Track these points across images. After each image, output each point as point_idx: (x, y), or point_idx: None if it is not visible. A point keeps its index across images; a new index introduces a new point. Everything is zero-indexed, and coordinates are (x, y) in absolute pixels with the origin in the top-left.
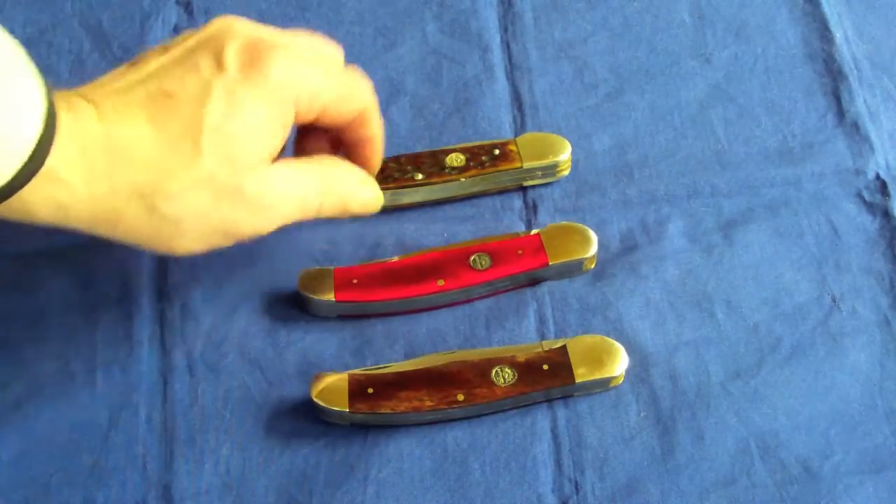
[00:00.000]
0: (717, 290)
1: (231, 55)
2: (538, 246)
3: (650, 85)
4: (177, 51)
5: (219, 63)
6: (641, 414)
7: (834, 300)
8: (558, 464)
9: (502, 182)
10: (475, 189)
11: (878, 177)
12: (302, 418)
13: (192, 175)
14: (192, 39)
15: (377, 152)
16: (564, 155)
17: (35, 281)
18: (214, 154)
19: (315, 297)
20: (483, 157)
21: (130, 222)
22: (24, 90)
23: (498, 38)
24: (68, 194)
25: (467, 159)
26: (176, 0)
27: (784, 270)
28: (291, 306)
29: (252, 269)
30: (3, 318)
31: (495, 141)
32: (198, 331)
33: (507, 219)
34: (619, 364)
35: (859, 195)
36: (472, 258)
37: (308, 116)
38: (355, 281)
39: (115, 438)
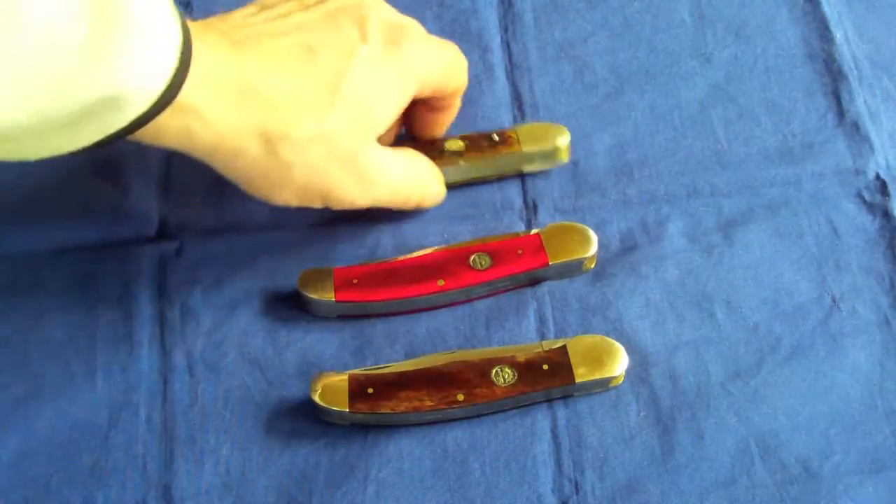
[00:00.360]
0: (716, 289)
1: (374, 28)
2: (538, 246)
3: (650, 85)
4: (318, 11)
5: (363, 33)
6: (641, 414)
7: (834, 300)
8: (558, 464)
9: (501, 167)
10: (474, 175)
11: (878, 177)
12: (302, 418)
13: (319, 127)
14: (330, 4)
15: (446, 123)
16: (563, 140)
17: (35, 281)
18: (346, 113)
19: (315, 296)
20: (482, 143)
21: (248, 160)
22: (160, 19)
23: (498, 38)
24: (199, 124)
25: (466, 145)
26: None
27: (784, 270)
28: (291, 306)
29: (252, 269)
30: (3, 318)
31: (495, 131)
32: (198, 331)
33: (507, 218)
34: (619, 364)
35: (859, 195)
36: (472, 258)
37: (421, 94)
38: (355, 281)
39: (115, 438)
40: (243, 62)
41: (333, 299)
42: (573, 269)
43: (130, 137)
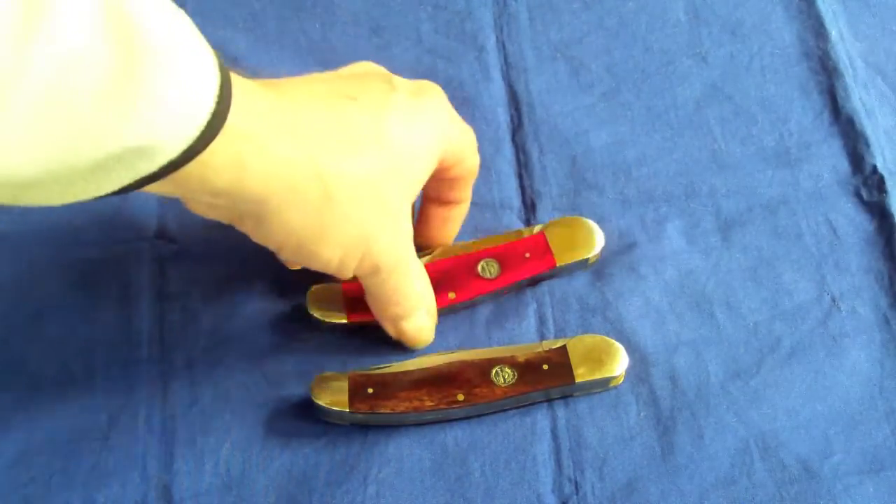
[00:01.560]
0: (716, 290)
1: (401, 82)
2: (545, 248)
3: (646, 84)
4: (346, 73)
5: (391, 86)
6: (641, 414)
7: (833, 300)
8: (558, 464)
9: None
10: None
11: (875, 174)
12: (302, 418)
13: (369, 168)
14: (356, 68)
15: (458, 221)
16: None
17: (35, 281)
18: (391, 157)
19: (326, 320)
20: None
21: (303, 202)
22: (192, 54)
23: (493, 39)
24: (252, 153)
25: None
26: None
27: (783, 270)
28: (291, 306)
29: (252, 270)
30: (3, 318)
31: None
32: (198, 331)
33: (506, 218)
34: (619, 364)
35: (857, 194)
36: (480, 266)
37: (444, 162)
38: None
39: (115, 439)
40: (285, 100)
41: (346, 319)
42: (579, 267)
43: (174, 185)
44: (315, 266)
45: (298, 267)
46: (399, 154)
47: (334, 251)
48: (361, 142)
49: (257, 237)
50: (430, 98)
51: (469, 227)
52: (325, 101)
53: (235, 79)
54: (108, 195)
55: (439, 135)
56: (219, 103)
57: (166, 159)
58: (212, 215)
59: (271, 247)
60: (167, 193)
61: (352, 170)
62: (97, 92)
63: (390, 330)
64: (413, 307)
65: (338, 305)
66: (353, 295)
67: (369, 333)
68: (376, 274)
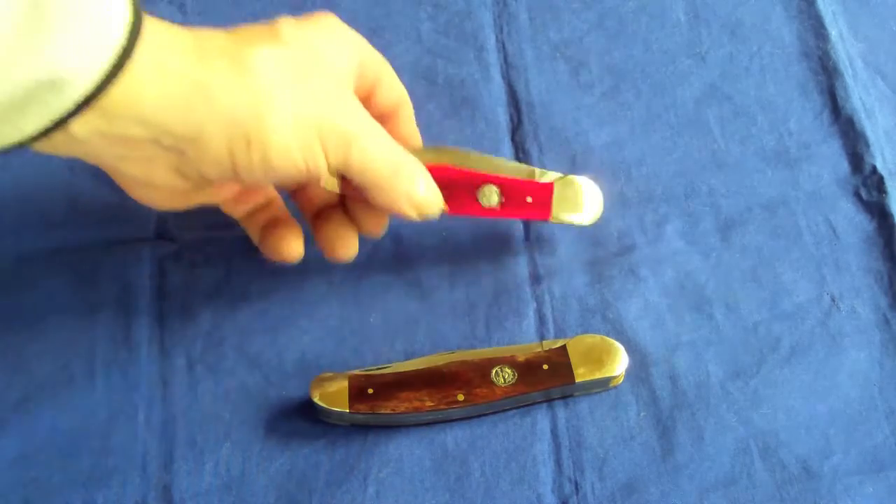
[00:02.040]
0: (716, 290)
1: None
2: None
3: (646, 84)
4: None
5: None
6: (641, 414)
7: (833, 300)
8: (558, 464)
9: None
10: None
11: (874, 174)
12: (302, 418)
13: (280, 51)
14: None
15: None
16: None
17: (35, 281)
18: (300, 49)
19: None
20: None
21: (227, 89)
22: None
23: (493, 38)
24: (166, 53)
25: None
26: (169, 1)
27: (783, 270)
28: (291, 306)
29: (252, 270)
30: (3, 318)
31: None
32: (198, 331)
33: (506, 220)
34: (619, 364)
35: (857, 193)
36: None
37: (365, 81)
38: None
39: (115, 439)
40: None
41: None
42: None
43: (104, 120)
44: (281, 165)
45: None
46: (309, 45)
47: (286, 132)
48: (265, 37)
49: (205, 161)
50: (321, 16)
51: (469, 226)
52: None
53: (151, 19)
54: (33, 139)
55: (343, 35)
56: (130, 37)
57: (79, 93)
58: (150, 174)
59: (224, 164)
60: (96, 152)
61: (267, 52)
62: (1, 25)
63: (408, 209)
64: (412, 169)
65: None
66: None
67: (368, 330)
68: (351, 145)
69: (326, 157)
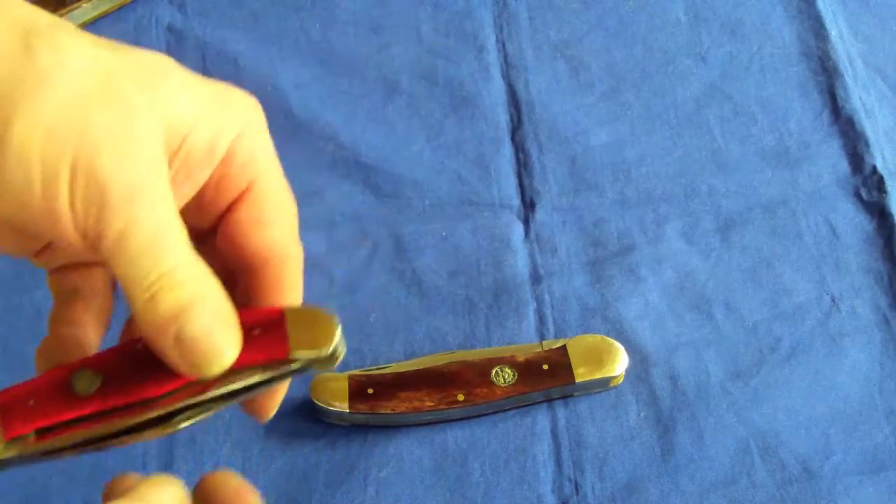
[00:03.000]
0: (715, 290)
1: None
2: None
3: (646, 84)
4: None
5: None
6: (641, 414)
7: (833, 300)
8: (558, 464)
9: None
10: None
11: (874, 174)
12: (302, 418)
13: (83, 46)
14: None
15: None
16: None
17: (35, 281)
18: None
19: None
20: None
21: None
22: None
23: (493, 38)
24: None
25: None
26: (169, 0)
27: (783, 270)
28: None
29: None
30: (2, 318)
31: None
32: None
33: (506, 217)
34: (619, 364)
35: (857, 194)
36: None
37: (230, 174)
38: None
39: None
40: None
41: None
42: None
43: None
44: (10, 177)
45: None
46: (153, 70)
47: (34, 132)
48: (97, 40)
49: None
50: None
51: (468, 225)
52: None
53: None
54: None
55: (236, 102)
56: None
57: None
58: None
59: None
60: None
61: (71, 41)
62: None
63: (168, 346)
64: (195, 289)
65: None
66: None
67: (367, 329)
68: (105, 207)
69: (71, 200)
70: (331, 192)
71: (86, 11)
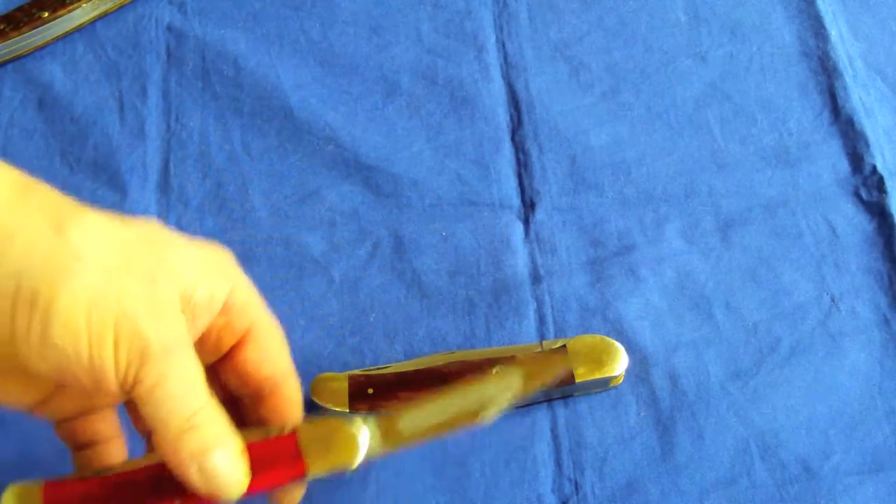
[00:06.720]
0: (715, 290)
1: None
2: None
3: (646, 84)
4: None
5: None
6: (641, 414)
7: (833, 300)
8: (558, 464)
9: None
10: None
11: (874, 174)
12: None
13: (112, 225)
14: None
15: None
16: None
17: None
18: (142, 235)
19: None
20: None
21: (30, 241)
22: None
23: (493, 38)
24: None
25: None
26: (169, 0)
27: (783, 270)
28: (291, 306)
29: (251, 269)
30: None
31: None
32: None
33: (506, 217)
34: (619, 364)
35: (856, 193)
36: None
37: (230, 325)
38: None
39: None
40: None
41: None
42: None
43: None
44: (59, 345)
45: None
46: (160, 241)
47: (78, 305)
48: (113, 216)
49: None
50: (210, 243)
51: (469, 224)
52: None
53: None
54: None
55: (220, 261)
56: None
57: None
58: None
59: (3, 317)
60: None
61: (97, 223)
62: None
63: (192, 475)
64: (215, 433)
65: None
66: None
67: (368, 330)
68: (146, 362)
69: (116, 358)
70: (331, 192)
71: (86, 11)
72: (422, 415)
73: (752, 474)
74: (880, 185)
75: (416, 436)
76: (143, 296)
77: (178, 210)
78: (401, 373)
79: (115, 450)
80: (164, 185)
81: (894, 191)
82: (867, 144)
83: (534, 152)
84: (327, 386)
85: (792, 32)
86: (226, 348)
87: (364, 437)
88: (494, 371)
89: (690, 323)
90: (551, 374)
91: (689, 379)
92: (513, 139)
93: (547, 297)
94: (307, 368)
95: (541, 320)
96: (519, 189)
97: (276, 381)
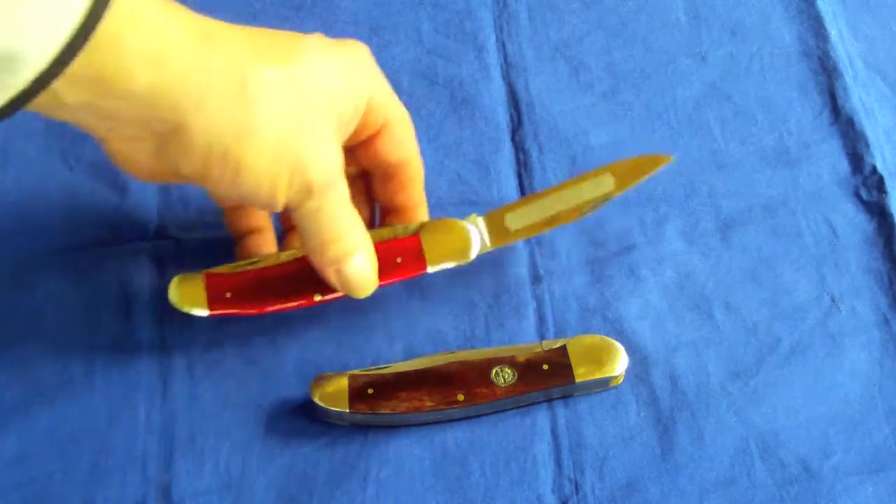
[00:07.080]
0: (715, 290)
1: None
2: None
3: (646, 84)
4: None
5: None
6: (641, 414)
7: (833, 300)
8: (558, 464)
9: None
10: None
11: (874, 174)
12: (302, 418)
13: (290, 72)
14: None
15: (413, 190)
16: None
17: (35, 281)
18: (310, 72)
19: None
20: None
21: (218, 106)
22: None
23: (493, 38)
24: (164, 40)
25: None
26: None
27: (783, 270)
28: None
29: None
30: (2, 319)
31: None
32: (198, 331)
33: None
34: (618, 364)
35: (856, 193)
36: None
37: (369, 123)
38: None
39: (114, 439)
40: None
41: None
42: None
43: (92, 91)
44: (245, 188)
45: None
46: (319, 73)
47: (262, 160)
48: (280, 54)
49: (181, 157)
50: (351, 44)
51: (467, 210)
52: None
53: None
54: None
55: (362, 70)
56: (90, 15)
57: (33, 72)
58: (134, 151)
59: (198, 167)
60: (85, 122)
61: (272, 75)
62: None
63: (331, 276)
64: (353, 245)
65: (200, 298)
66: (217, 287)
67: (368, 331)
68: (309, 197)
69: (288, 194)
70: None
71: None
72: (525, 213)
73: (752, 474)
74: (880, 185)
75: (521, 232)
76: (310, 142)
77: (178, 210)
78: (401, 373)
79: (266, 240)
80: (165, 185)
81: (894, 191)
82: (867, 144)
83: (534, 152)
84: (327, 386)
85: (792, 32)
86: (364, 138)
87: (476, 233)
88: (587, 176)
89: (690, 323)
90: (641, 175)
91: (689, 379)
92: (513, 139)
93: (547, 297)
94: (307, 368)
95: (541, 320)
96: (519, 189)
97: (404, 164)
